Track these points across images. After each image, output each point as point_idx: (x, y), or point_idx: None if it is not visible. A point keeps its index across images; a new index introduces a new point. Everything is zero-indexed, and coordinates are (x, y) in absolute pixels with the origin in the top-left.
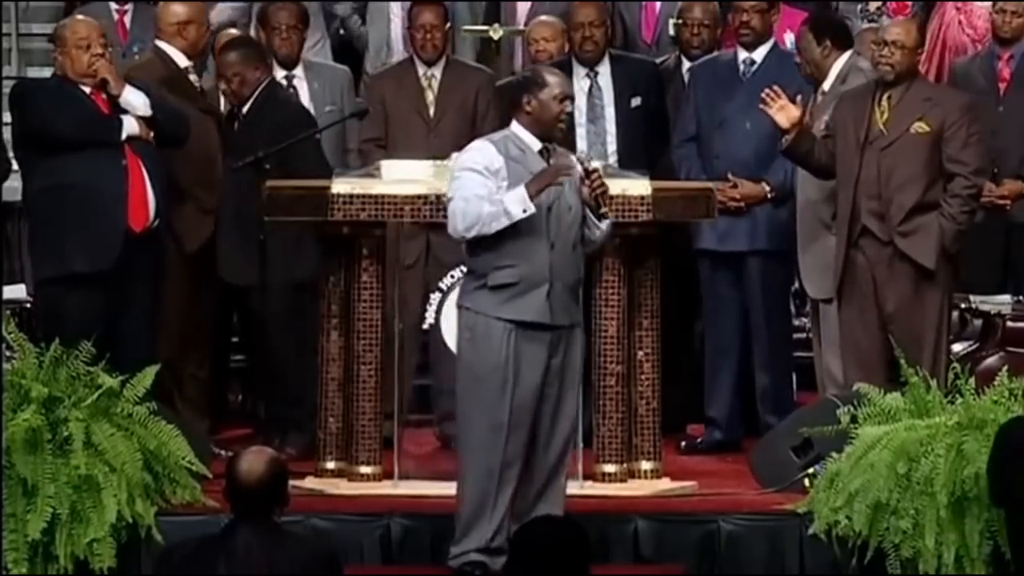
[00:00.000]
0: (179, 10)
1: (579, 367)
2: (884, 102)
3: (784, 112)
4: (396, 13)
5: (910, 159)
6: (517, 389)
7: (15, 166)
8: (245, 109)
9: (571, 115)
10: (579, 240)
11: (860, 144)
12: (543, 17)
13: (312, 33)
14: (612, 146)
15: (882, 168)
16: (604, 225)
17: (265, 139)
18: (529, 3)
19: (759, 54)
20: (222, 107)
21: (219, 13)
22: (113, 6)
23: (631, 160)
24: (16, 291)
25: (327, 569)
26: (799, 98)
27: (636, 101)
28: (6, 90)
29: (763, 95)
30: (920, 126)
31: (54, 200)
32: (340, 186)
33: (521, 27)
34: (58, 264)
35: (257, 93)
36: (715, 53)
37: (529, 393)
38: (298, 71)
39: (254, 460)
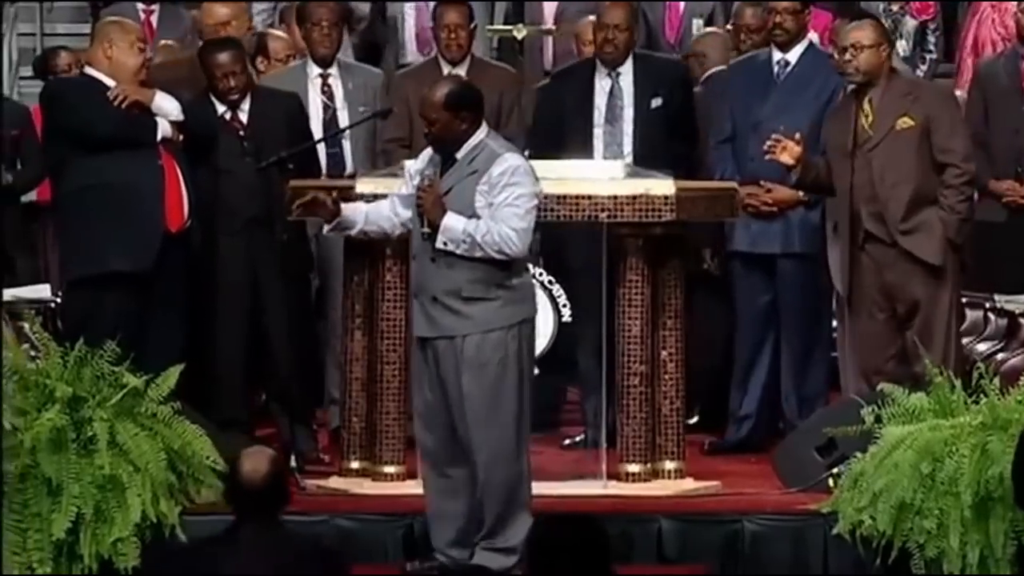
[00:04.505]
0: (220, 11)
1: (455, 378)
2: (867, 105)
3: (788, 152)
4: (410, 13)
5: (899, 155)
6: (417, 395)
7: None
8: (246, 107)
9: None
10: (443, 254)
11: (849, 151)
12: (592, 17)
13: None
14: (628, 147)
15: (874, 169)
16: (438, 243)
17: (280, 136)
18: (556, 3)
19: (793, 55)
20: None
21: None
22: (140, 6)
23: (649, 161)
24: (40, 291)
25: (331, 569)
26: (834, 94)
27: (657, 102)
28: (27, 90)
29: (766, 146)
30: (905, 121)
31: (90, 199)
32: (364, 186)
33: (549, 26)
34: (94, 263)
35: (250, 92)
36: (751, 53)
37: (424, 400)
38: (333, 70)
39: (258, 460)
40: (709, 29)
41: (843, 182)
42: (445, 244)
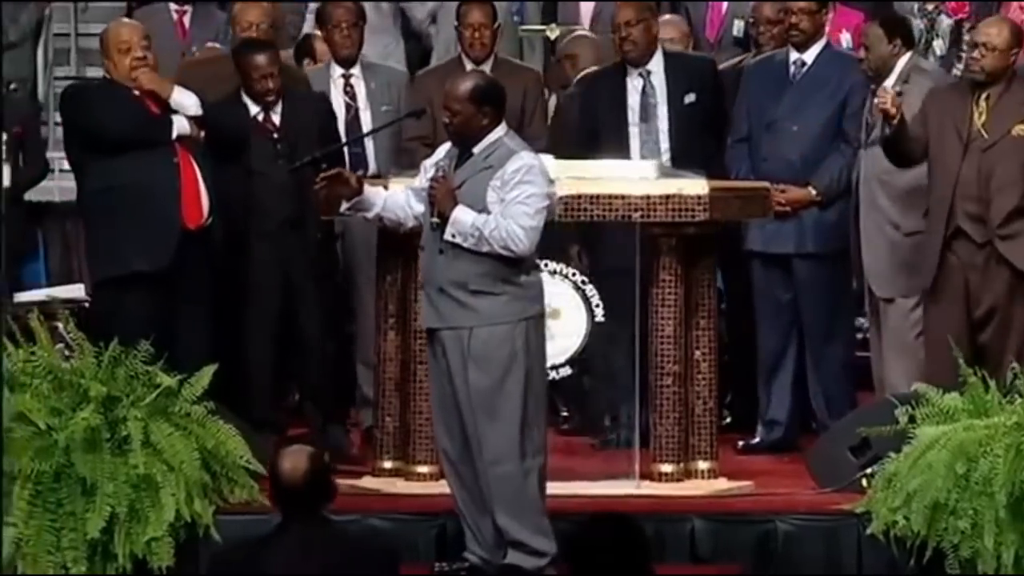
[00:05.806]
0: (253, 13)
1: (461, 372)
2: (982, 102)
3: (892, 101)
4: None
5: (1011, 162)
6: (431, 387)
7: (62, 166)
8: (279, 109)
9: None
10: (451, 246)
11: (964, 144)
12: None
13: (383, 36)
14: (665, 144)
15: (982, 170)
16: (446, 234)
17: (312, 137)
18: (592, 3)
19: (810, 55)
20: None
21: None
22: (172, 7)
23: (685, 158)
24: (74, 291)
25: (384, 565)
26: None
27: (690, 97)
28: (58, 91)
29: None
30: (1021, 128)
31: (108, 201)
32: (396, 185)
33: (583, 27)
34: (116, 264)
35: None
36: (769, 53)
37: (438, 392)
38: (355, 70)
39: (296, 458)
40: (579, 32)
41: (948, 174)
42: (453, 236)
